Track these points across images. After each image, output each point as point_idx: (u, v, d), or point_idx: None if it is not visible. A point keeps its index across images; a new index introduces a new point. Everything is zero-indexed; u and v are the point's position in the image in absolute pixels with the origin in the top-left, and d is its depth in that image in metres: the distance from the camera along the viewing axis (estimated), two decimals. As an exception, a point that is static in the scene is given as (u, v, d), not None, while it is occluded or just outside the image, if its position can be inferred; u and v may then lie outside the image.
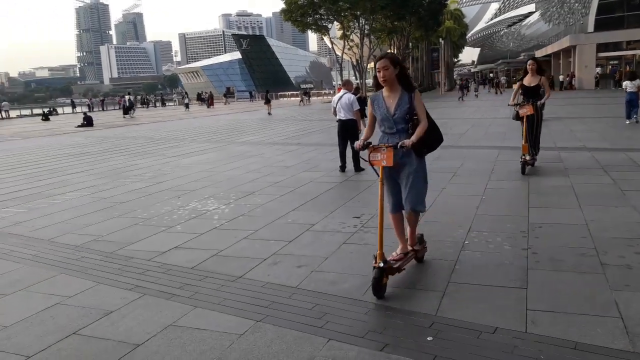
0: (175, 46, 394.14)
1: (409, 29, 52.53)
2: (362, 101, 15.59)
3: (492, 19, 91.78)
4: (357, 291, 3.89)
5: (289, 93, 72.15)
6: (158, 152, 14.11)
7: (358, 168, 9.31)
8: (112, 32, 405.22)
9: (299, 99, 48.29)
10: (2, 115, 43.45)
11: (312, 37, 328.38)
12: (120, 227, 6.17)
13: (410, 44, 59.36)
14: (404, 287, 3.96)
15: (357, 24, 49.39)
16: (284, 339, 3.23)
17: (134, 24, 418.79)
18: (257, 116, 30.34)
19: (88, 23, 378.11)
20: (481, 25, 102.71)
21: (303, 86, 72.52)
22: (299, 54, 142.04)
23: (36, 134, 24.10)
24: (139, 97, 66.38)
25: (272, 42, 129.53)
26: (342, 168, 9.42)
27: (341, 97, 9.44)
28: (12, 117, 45.71)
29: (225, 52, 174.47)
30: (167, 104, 63.35)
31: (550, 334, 3.10)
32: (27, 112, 52.37)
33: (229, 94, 69.87)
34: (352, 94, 9.71)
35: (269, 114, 31.34)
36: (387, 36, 52.88)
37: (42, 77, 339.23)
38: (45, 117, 39.06)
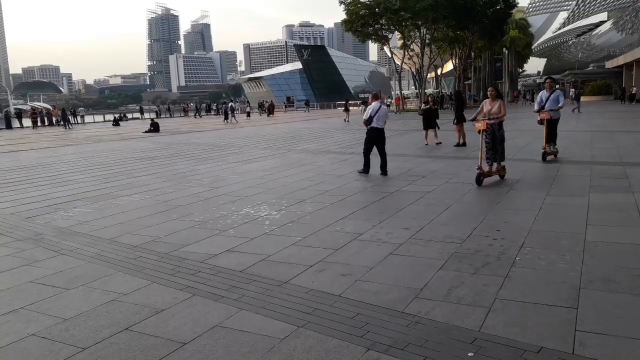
0: (240, 56, 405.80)
1: (471, 38, 51.49)
2: (433, 112, 15.54)
3: (560, 29, 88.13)
4: (400, 303, 3.88)
5: (348, 103, 72.27)
6: (219, 158, 14.59)
7: (385, 172, 10.18)
8: (181, 41, 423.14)
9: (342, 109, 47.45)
10: (77, 120, 46.34)
11: (372, 47, 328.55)
12: (177, 229, 6.45)
13: (473, 54, 58.09)
14: (448, 301, 3.91)
15: (418, 33, 49.03)
16: (323, 345, 3.28)
17: (201, 34, 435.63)
18: (315, 125, 30.72)
19: (159, 33, 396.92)
20: (548, 34, 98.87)
21: (362, 95, 72.51)
22: (358, 64, 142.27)
23: (107, 138, 25.54)
24: (204, 105, 68.85)
25: (332, 52, 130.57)
26: (367, 170, 10.36)
27: (379, 108, 10.33)
28: (87, 122, 48.66)
29: (287, 62, 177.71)
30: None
31: (598, 358, 2.97)
32: (99, 117, 55.57)
33: (289, 103, 71.15)
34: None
35: (347, 120, 32.42)
36: (448, 46, 52.10)
37: (115, 85, 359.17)
38: (116, 122, 41.30)
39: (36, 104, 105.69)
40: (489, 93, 9.63)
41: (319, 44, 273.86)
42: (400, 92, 51.04)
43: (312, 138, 21.12)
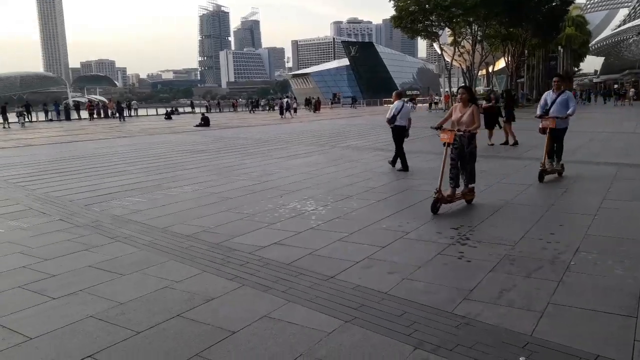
0: (288, 53, 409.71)
1: (525, 35, 49.84)
2: (496, 110, 15.14)
3: (620, 26, 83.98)
4: (448, 303, 3.83)
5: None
6: (266, 152, 14.80)
7: (394, 164, 10.77)
8: (231, 38, 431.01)
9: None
10: (131, 113, 48.00)
11: (421, 43, 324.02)
12: (227, 220, 6.59)
13: (526, 51, 56.25)
14: (499, 304, 3.82)
15: (469, 30, 47.90)
16: (370, 342, 3.28)
17: (251, 30, 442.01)
18: (361, 121, 30.62)
19: (210, 29, 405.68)
20: (607, 32, 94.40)
21: (409, 92, 71.64)
22: (406, 61, 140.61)
23: (159, 131, 26.35)
24: (250, 101, 69.89)
25: (380, 48, 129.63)
26: (406, 168, 10.55)
27: (402, 107, 10.67)
28: (140, 115, 50.33)
29: (334, 59, 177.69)
30: (275, 109, 65.95)
31: (661, 370, 2.83)
32: (152, 111, 57.32)
33: (335, 99, 71.25)
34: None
35: None
36: (501, 43, 50.66)
37: (167, 79, 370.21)
38: (168, 116, 42.51)
39: (93, 96, 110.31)
40: (458, 96, 7.37)
41: (367, 40, 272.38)
42: (450, 90, 50.03)
43: (358, 135, 21.06)
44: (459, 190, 7.06)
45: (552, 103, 9.06)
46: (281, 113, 40.07)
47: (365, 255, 4.99)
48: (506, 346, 3.18)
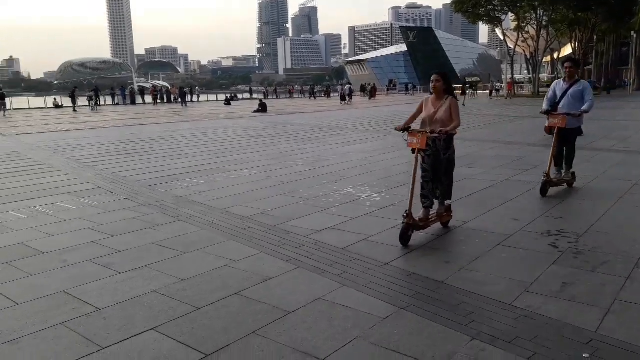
0: (345, 39, 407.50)
1: (594, 20, 46.98)
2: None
3: None
4: (507, 295, 3.73)
5: (453, 87, 69.97)
6: (321, 139, 14.86)
7: None
8: (289, 25, 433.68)
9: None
10: (193, 99, 49.43)
11: (482, 28, 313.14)
12: (283, 204, 6.70)
13: (595, 37, 53.06)
14: (561, 298, 3.68)
15: (534, 14, 45.74)
16: (426, 330, 3.25)
17: (308, 17, 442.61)
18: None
19: (268, 16, 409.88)
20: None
21: (468, 79, 69.49)
22: (467, 46, 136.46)
23: (219, 116, 27.00)
24: (307, 88, 70.17)
25: (439, 34, 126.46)
26: None
27: None
28: (202, 101, 51.75)
29: (392, 45, 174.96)
30: (332, 95, 65.92)
31: None
32: (212, 97, 58.78)
33: (391, 86, 70.31)
34: None
35: (463, 104, 31.79)
36: (568, 28, 48.02)
37: (226, 66, 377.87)
38: (227, 102, 43.42)
39: (156, 82, 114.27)
40: (431, 85, 5.47)
41: (425, 25, 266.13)
42: (512, 76, 48.15)
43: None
44: (433, 210, 5.48)
45: (563, 95, 7.14)
46: (342, 99, 40.37)
47: (421, 244, 4.94)
48: (569, 341, 3.07)
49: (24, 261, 4.69)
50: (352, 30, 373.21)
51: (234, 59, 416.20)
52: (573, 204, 6.51)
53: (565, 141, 7.24)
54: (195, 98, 50.26)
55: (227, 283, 4.08)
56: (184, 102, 41.32)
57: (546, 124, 7.22)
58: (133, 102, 44.45)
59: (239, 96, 60.27)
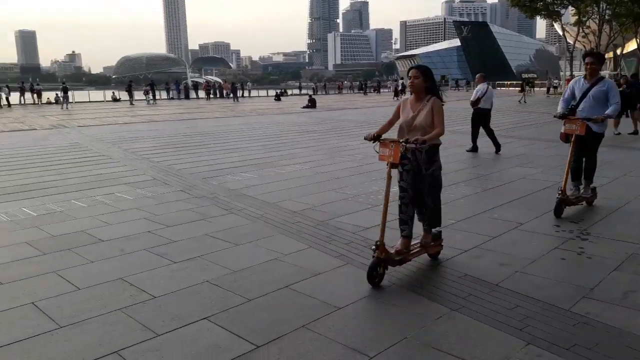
0: (396, 34, 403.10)
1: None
2: (629, 95, 13.87)
3: None
4: (565, 301, 3.57)
5: (508, 82, 67.94)
6: (370, 135, 14.74)
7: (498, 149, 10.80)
8: (339, 20, 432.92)
9: (518, 89, 44.28)
10: (244, 94, 50.29)
11: (540, 23, 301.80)
12: (332, 200, 6.70)
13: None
14: (624, 305, 3.50)
15: (596, 8, 43.56)
16: (479, 332, 3.17)
17: (359, 12, 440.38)
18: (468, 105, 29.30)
19: (319, 12, 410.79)
20: None
21: (524, 75, 67.22)
22: (523, 42, 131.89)
23: (269, 111, 27.34)
24: (356, 83, 70.03)
25: (494, 28, 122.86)
26: (475, 149, 10.98)
27: (487, 90, 10.89)
28: (252, 96, 52.56)
29: (444, 40, 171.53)
30: (381, 91, 65.44)
31: None
32: (263, 92, 59.57)
33: (443, 81, 69.09)
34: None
35: (522, 101, 31.87)
36: (632, 23, 45.45)
37: (277, 62, 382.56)
38: (277, 97, 43.88)
39: (209, 77, 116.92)
40: (408, 83, 4.47)
41: (480, 20, 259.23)
42: (572, 74, 46.14)
43: (463, 119, 20.16)
44: (415, 240, 4.43)
45: (583, 96, 5.99)
46: (396, 95, 40.11)
47: (474, 245, 4.81)
48: (631, 352, 2.91)
49: (84, 248, 4.91)
50: (404, 25, 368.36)
51: (284, 54, 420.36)
52: (636, 207, 6.16)
53: (587, 150, 6.12)
54: (246, 93, 51.06)
55: (277, 276, 4.12)
56: (235, 97, 42.07)
57: (562, 130, 6.07)
58: (187, 97, 45.66)
59: (289, 92, 60.79)
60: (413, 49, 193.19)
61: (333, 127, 17.58)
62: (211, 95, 45.66)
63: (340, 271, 4.21)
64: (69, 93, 33.15)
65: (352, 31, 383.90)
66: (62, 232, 5.45)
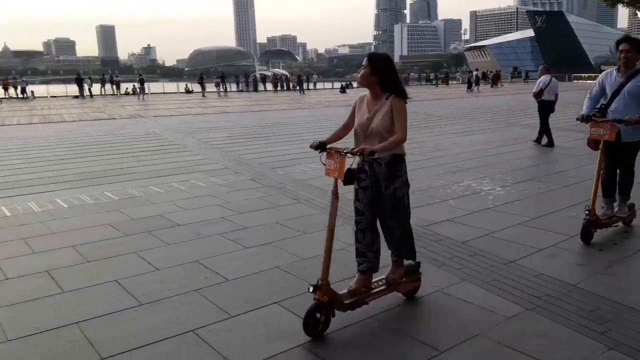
0: (465, 24, 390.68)
1: None
2: None
3: None
4: (652, 306, 3.37)
5: (585, 75, 64.12)
6: (437, 127, 14.47)
7: (552, 143, 10.50)
8: (407, 11, 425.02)
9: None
10: (310, 86, 50.68)
11: (621, 12, 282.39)
12: (399, 193, 6.64)
13: None
14: None
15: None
16: (556, 334, 3.06)
17: (427, 2, 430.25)
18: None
19: (386, 3, 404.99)
20: None
21: (603, 68, 63.14)
22: (602, 32, 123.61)
23: (334, 103, 27.42)
24: (423, 75, 68.74)
25: (571, 18, 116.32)
26: (551, 143, 10.55)
27: (549, 81, 10.57)
28: (318, 88, 52.87)
29: (516, 30, 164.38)
30: (450, 83, 63.82)
31: None
32: (328, 84, 59.76)
33: (515, 73, 66.36)
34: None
35: None
36: None
37: (342, 54, 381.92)
38: (343, 89, 43.89)
39: (276, 70, 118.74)
40: (359, 77, 3.53)
41: (555, 9, 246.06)
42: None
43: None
44: (379, 275, 3.56)
45: (616, 93, 4.87)
46: (469, 87, 39.22)
47: (550, 243, 4.62)
48: None
49: (162, 231, 5.17)
50: (474, 15, 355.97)
51: (350, 46, 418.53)
52: None
53: (621, 159, 4.96)
54: (311, 86, 51.43)
55: (345, 266, 4.14)
56: (301, 89, 42.49)
57: (589, 136, 4.81)
58: (255, 89, 46.62)
59: (354, 84, 60.58)
60: (483, 39, 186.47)
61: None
62: (278, 88, 46.38)
63: (408, 264, 4.18)
64: (145, 85, 34.81)
65: (420, 22, 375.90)
66: (142, 215, 5.77)
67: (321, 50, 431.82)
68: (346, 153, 3.13)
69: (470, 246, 4.60)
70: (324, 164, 3.27)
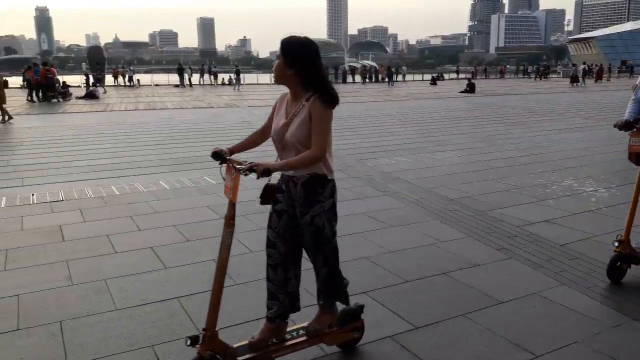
0: (569, 14, 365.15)
1: None
2: None
3: None
4: None
5: None
6: (534, 123, 13.72)
7: None
8: (505, 0, 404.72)
9: None
10: (399, 78, 50.00)
11: None
12: (492, 190, 6.41)
13: None
14: None
15: None
16: (666, 348, 2.82)
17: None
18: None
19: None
20: None
21: None
22: None
23: (424, 96, 26.87)
24: (520, 68, 65.27)
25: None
26: None
27: None
28: (407, 80, 52.05)
29: (627, 21, 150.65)
30: (549, 77, 60.10)
31: None
32: (418, 76, 58.60)
33: (625, 67, 60.95)
34: None
35: None
36: None
37: (434, 45, 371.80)
38: (433, 81, 42.85)
39: (365, 62, 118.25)
40: (273, 73, 2.68)
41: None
42: None
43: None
44: (294, 324, 2.87)
45: None
46: (573, 81, 36.92)
47: (662, 251, 4.24)
48: None
49: (255, 215, 5.34)
50: (579, 5, 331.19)
51: (443, 37, 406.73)
52: None
53: None
54: (400, 77, 50.72)
55: (433, 261, 4.10)
56: (390, 81, 42.05)
57: (628, 148, 3.87)
58: (344, 81, 46.84)
59: (445, 76, 58.87)
60: (589, 30, 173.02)
61: (493, 113, 16.68)
62: (367, 80, 46.23)
63: (502, 264, 4.04)
64: (240, 75, 36.19)
65: (519, 12, 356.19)
66: (238, 199, 6.03)
67: (412, 42, 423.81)
68: (242, 170, 2.44)
69: (569, 249, 4.35)
70: (224, 179, 2.61)
